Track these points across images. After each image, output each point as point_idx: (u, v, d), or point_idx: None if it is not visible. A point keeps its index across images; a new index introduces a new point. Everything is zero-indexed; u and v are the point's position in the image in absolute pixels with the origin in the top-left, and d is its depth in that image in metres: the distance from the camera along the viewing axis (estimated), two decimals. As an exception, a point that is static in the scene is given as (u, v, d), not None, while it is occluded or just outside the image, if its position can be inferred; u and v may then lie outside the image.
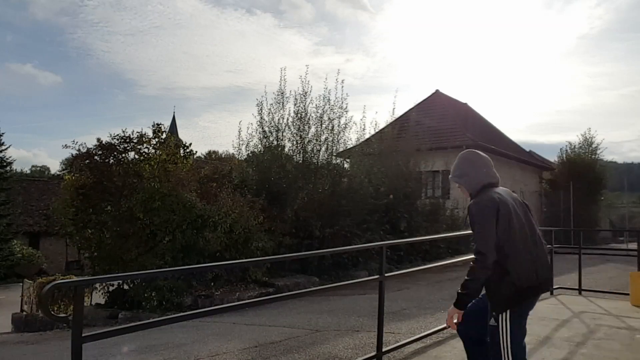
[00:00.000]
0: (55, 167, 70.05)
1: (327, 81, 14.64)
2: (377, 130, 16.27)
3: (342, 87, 14.62)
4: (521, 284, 2.63)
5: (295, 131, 14.18)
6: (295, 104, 14.30)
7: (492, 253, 2.63)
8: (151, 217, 10.07)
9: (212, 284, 10.52)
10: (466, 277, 2.72)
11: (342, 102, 14.40)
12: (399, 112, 19.75)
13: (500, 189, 2.89)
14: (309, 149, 14.12)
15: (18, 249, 23.96)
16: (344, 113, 14.39)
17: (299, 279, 11.86)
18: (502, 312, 2.70)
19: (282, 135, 14.37)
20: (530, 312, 2.94)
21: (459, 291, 2.74)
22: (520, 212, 2.78)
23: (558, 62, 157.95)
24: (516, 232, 2.67)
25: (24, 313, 11.60)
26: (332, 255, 12.45)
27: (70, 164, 12.62)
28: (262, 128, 14.45)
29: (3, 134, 26.22)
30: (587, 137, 28.86)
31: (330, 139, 14.27)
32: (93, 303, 10.93)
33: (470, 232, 2.77)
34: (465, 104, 27.10)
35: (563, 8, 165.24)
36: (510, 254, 2.64)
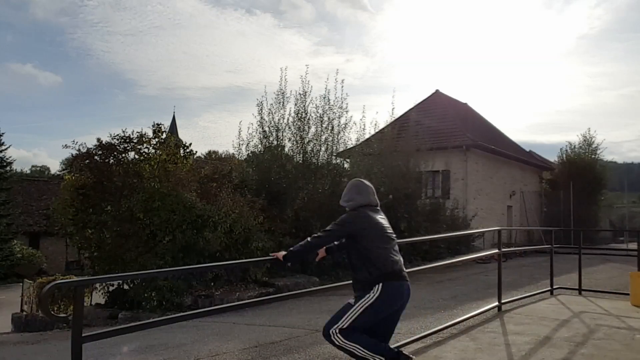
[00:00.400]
0: (55, 167, 70.04)
1: (327, 81, 14.66)
2: (377, 131, 16.28)
3: (342, 87, 14.65)
4: (377, 273, 3.32)
5: (295, 131, 14.19)
6: (295, 104, 14.32)
7: (321, 246, 3.58)
8: (151, 217, 10.07)
9: (212, 284, 10.52)
10: (295, 247, 3.43)
11: (342, 102, 14.43)
12: (399, 112, 19.79)
13: (374, 209, 3.65)
14: (309, 149, 14.13)
15: (18, 249, 23.94)
16: (344, 113, 14.42)
17: (299, 279, 11.85)
18: (359, 295, 3.36)
19: (282, 135, 14.38)
20: (530, 312, 3.00)
21: (293, 249, 3.43)
22: (386, 226, 3.58)
23: (558, 62, 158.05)
24: (379, 240, 3.44)
25: (24, 313, 11.59)
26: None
27: (70, 164, 12.62)
28: (262, 128, 14.47)
29: (3, 134, 26.21)
30: (587, 137, 28.91)
31: (330, 139, 14.28)
32: (93, 303, 10.92)
33: (470, 232, 3.04)
34: (465, 104, 27.09)
35: (563, 8, 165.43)
36: (372, 253, 3.38)
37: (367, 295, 3.28)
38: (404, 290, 3.39)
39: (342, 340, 3.26)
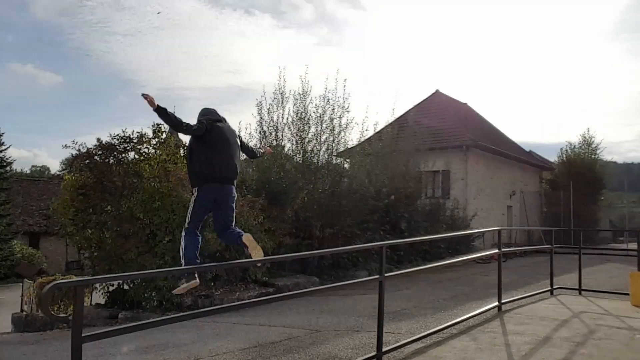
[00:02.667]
0: (55, 167, 69.82)
1: (327, 81, 14.61)
2: (377, 131, 16.26)
3: (345, 86, 14.58)
4: (201, 176, 4.20)
5: (295, 131, 14.17)
6: (294, 104, 14.29)
7: (181, 125, 4.11)
8: (151, 217, 10.06)
9: (212, 284, 10.51)
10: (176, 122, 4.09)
11: (344, 102, 14.37)
12: (399, 112, 19.79)
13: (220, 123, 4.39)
14: (309, 149, 14.11)
15: (18, 249, 23.96)
16: (345, 113, 14.37)
17: (299, 279, 11.85)
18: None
19: (282, 135, 14.36)
20: (530, 312, 2.99)
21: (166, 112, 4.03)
22: (229, 135, 4.39)
23: (557, 62, 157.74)
24: (218, 145, 4.22)
25: (24, 313, 11.59)
26: (332, 255, 12.45)
27: (70, 164, 12.61)
28: (262, 128, 14.43)
29: (3, 134, 26.25)
30: (587, 137, 28.93)
31: (331, 139, 14.25)
32: (93, 303, 10.92)
33: (470, 232, 3.05)
34: (465, 104, 27.07)
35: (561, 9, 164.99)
36: (205, 154, 4.17)
37: (193, 196, 4.26)
38: (217, 189, 4.20)
39: (183, 235, 4.25)
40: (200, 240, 4.31)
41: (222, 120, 4.48)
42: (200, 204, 4.22)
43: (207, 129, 4.17)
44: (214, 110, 4.57)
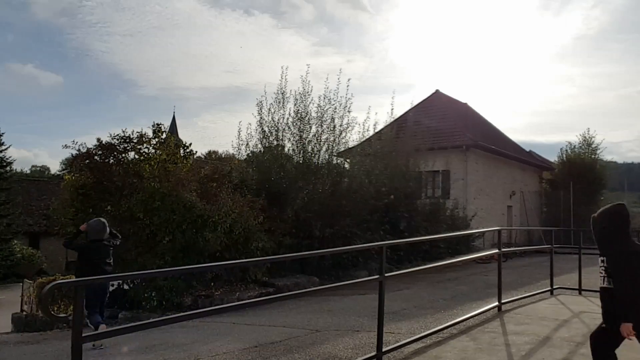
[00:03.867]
0: (55, 167, 69.80)
1: (328, 81, 14.59)
2: (377, 131, 16.25)
3: (348, 86, 14.57)
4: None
5: (295, 131, 14.15)
6: (295, 104, 14.27)
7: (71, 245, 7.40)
8: (151, 217, 10.06)
9: (212, 284, 10.51)
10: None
11: (346, 102, 14.36)
12: (399, 113, 19.77)
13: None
14: (309, 149, 14.10)
15: (18, 249, 23.92)
16: (347, 113, 14.35)
17: (299, 279, 11.85)
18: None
19: (282, 135, 14.34)
20: (530, 312, 2.97)
21: None
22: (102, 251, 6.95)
23: (557, 62, 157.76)
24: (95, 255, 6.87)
25: (24, 313, 11.57)
26: (332, 255, 12.44)
27: (70, 164, 12.61)
28: (262, 128, 14.42)
29: (3, 134, 26.18)
30: (587, 137, 28.90)
31: (332, 139, 14.24)
32: (93, 303, 10.90)
33: (470, 232, 3.03)
34: (465, 104, 27.06)
35: (560, 9, 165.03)
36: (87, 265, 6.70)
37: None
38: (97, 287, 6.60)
39: (86, 315, 5.86)
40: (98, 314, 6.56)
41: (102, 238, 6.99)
42: (91, 292, 6.35)
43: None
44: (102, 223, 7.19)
